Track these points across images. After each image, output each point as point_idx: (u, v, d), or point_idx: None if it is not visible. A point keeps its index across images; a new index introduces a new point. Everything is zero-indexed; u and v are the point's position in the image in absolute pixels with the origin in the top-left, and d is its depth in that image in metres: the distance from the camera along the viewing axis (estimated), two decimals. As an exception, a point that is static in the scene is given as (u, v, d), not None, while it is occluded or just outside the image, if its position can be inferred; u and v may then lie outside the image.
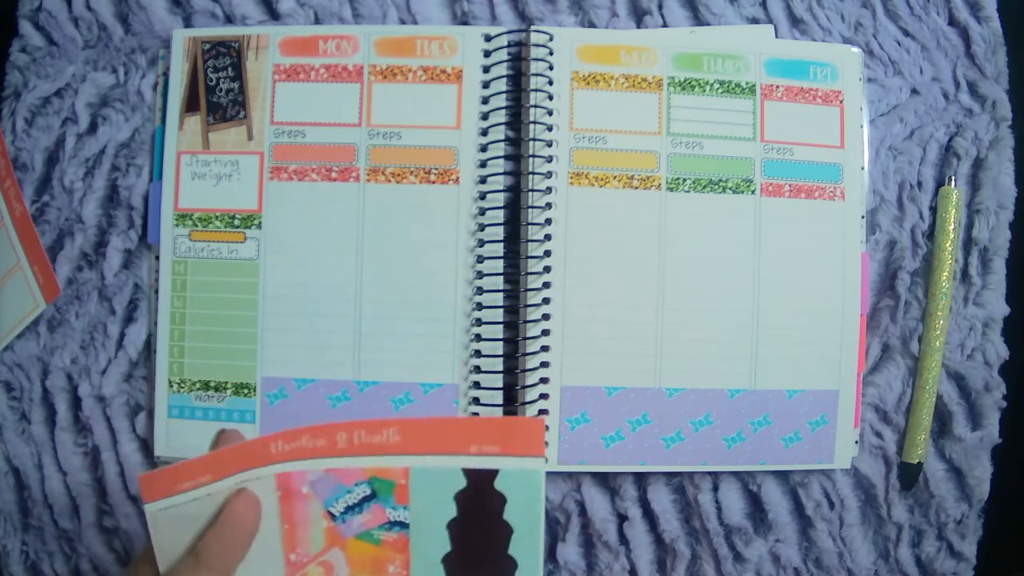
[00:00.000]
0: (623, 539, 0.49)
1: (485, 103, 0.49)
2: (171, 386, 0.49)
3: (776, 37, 0.51)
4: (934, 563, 0.49)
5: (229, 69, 0.49)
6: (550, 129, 0.48)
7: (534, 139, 0.48)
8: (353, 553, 0.35)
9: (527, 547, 0.34)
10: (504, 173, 0.48)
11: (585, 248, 0.48)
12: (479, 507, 0.34)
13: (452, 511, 0.34)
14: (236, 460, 0.33)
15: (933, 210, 0.51)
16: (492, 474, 0.34)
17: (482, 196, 0.48)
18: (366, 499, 0.35)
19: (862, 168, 0.50)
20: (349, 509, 0.35)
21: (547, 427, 0.47)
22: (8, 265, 0.50)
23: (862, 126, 0.50)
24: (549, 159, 0.48)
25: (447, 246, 0.48)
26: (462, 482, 0.34)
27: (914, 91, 0.52)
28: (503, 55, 0.49)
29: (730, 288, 0.48)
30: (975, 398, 0.50)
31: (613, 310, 0.48)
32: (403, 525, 0.35)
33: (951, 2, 0.52)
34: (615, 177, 0.49)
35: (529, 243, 0.48)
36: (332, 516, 0.35)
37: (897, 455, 0.50)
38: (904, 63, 0.52)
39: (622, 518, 0.49)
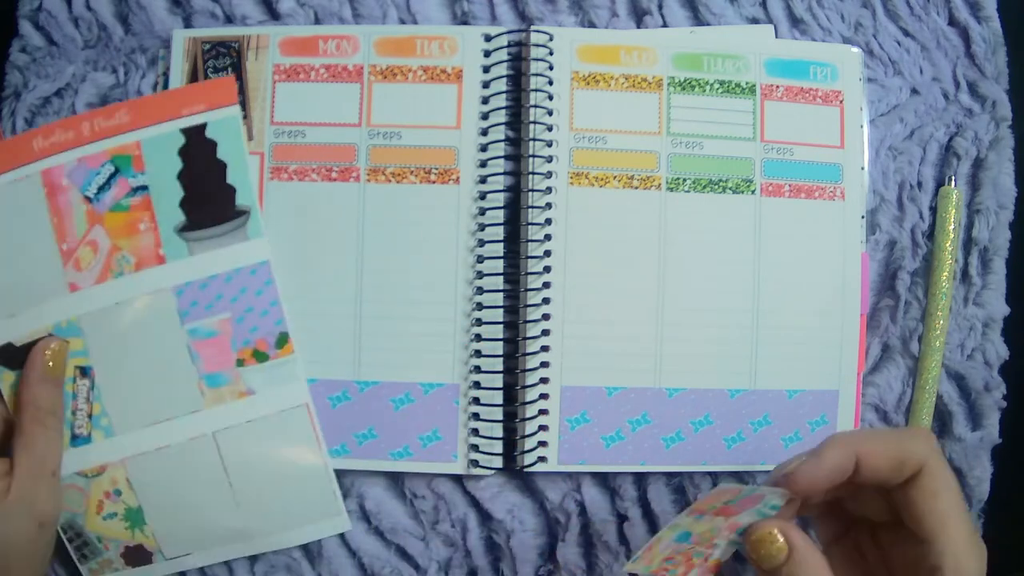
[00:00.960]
0: (623, 539, 0.49)
1: (485, 103, 0.49)
2: (171, 385, 0.49)
3: (776, 37, 0.51)
4: (934, 563, 0.49)
5: (229, 69, 0.49)
6: (550, 129, 0.48)
7: (534, 139, 0.48)
8: (110, 225, 0.44)
9: (240, 175, 0.46)
10: (504, 173, 0.48)
11: (585, 248, 0.48)
12: (197, 155, 0.45)
13: (178, 164, 0.45)
14: (9, 155, 0.44)
15: (933, 210, 0.51)
16: (202, 127, 0.45)
17: (482, 196, 0.48)
18: (111, 176, 0.44)
19: (862, 168, 0.50)
20: (100, 189, 0.44)
21: (547, 426, 0.47)
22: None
23: (862, 126, 0.50)
24: (549, 159, 0.48)
25: (447, 246, 0.48)
26: (181, 140, 0.45)
27: (914, 91, 0.52)
28: (503, 55, 0.49)
29: (730, 288, 0.48)
30: (975, 398, 0.50)
31: (613, 310, 0.48)
32: (144, 188, 0.45)
33: (951, 2, 0.52)
34: (615, 177, 0.49)
35: (529, 243, 0.48)
36: (89, 200, 0.44)
37: (897, 455, 0.50)
38: (904, 63, 0.52)
39: (622, 518, 0.49)
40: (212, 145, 0.45)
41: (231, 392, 0.46)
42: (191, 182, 0.45)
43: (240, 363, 0.46)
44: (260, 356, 0.46)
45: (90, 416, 0.45)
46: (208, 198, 0.45)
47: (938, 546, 0.34)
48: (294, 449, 0.46)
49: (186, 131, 0.45)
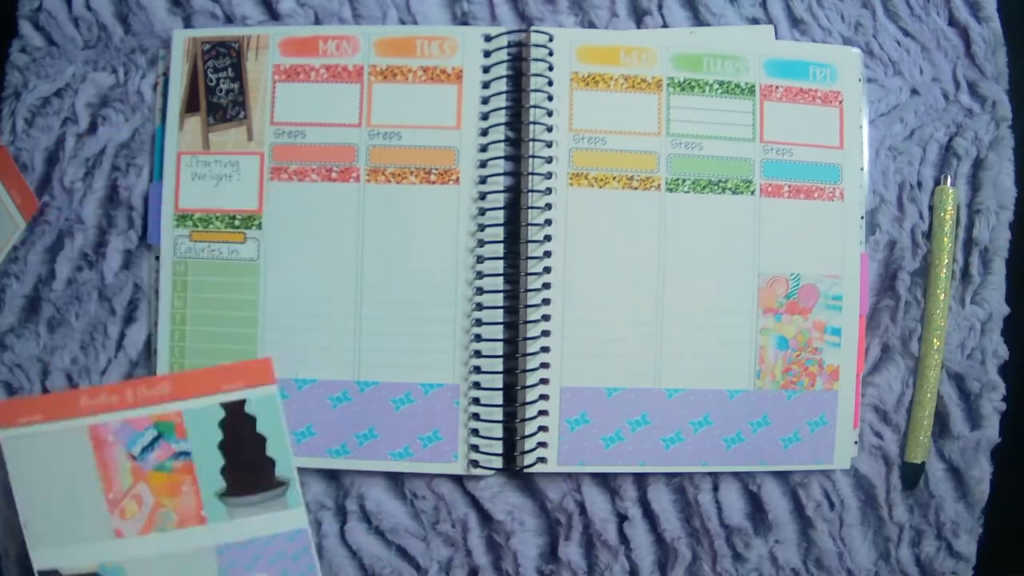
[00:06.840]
0: (623, 539, 0.49)
1: (485, 103, 0.49)
2: (171, 386, 0.49)
3: (776, 37, 0.51)
4: (934, 563, 0.49)
5: (229, 69, 0.49)
6: (550, 130, 0.48)
7: (534, 139, 0.48)
8: (154, 483, 0.46)
9: (279, 449, 0.47)
10: (504, 173, 0.48)
11: (585, 249, 0.48)
12: (237, 428, 0.46)
13: (219, 435, 0.46)
14: (58, 407, 0.46)
15: (933, 210, 0.51)
16: (241, 403, 0.46)
17: (482, 196, 0.48)
18: (155, 439, 0.46)
19: (861, 169, 0.50)
20: (144, 449, 0.46)
21: (547, 427, 0.47)
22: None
23: (861, 126, 0.50)
24: (549, 159, 0.48)
25: (447, 246, 0.48)
26: (221, 413, 0.46)
27: (914, 91, 0.52)
28: (503, 55, 0.49)
29: (729, 288, 0.48)
30: (974, 398, 0.50)
31: (613, 311, 0.48)
32: (186, 454, 0.46)
33: (951, 2, 0.52)
34: (615, 178, 0.49)
35: (529, 243, 0.48)
36: (133, 457, 0.46)
37: (898, 455, 0.50)
38: (904, 63, 0.52)
39: (622, 518, 0.49)
40: (251, 420, 0.46)
41: None
42: (232, 452, 0.46)
43: None
44: None
45: None
46: (248, 468, 0.46)
47: None
48: None
49: (226, 405, 0.46)
